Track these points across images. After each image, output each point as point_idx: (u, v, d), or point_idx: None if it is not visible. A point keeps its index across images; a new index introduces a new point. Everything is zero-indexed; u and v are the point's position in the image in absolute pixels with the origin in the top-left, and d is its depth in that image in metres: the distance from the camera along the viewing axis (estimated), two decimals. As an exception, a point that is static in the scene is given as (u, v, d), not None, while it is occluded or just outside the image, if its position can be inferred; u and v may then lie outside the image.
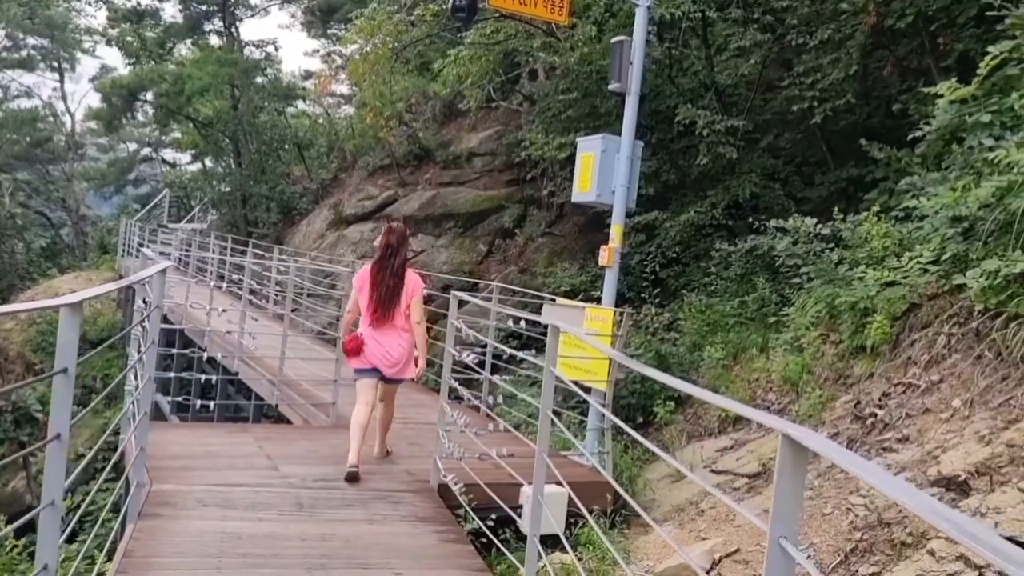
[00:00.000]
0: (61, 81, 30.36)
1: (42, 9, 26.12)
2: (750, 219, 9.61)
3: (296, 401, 7.50)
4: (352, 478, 5.19)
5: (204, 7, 21.06)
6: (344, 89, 22.74)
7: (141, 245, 21.63)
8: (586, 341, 4.17)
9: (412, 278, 5.72)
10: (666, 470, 6.98)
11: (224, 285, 13.42)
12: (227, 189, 23.52)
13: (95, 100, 28.83)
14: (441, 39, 15.07)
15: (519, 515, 5.30)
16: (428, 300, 10.18)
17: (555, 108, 12.46)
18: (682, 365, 8.65)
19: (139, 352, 15.33)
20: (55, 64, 30.21)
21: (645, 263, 10.83)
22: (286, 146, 23.02)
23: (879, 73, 10.87)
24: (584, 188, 6.68)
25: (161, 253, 22.40)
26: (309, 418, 7.08)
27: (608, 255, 6.50)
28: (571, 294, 14.32)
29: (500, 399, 6.01)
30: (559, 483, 4.64)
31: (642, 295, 10.02)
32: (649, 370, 3.28)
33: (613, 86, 6.50)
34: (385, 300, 5.52)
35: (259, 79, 22.79)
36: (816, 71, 9.71)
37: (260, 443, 5.90)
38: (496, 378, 5.99)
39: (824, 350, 6.97)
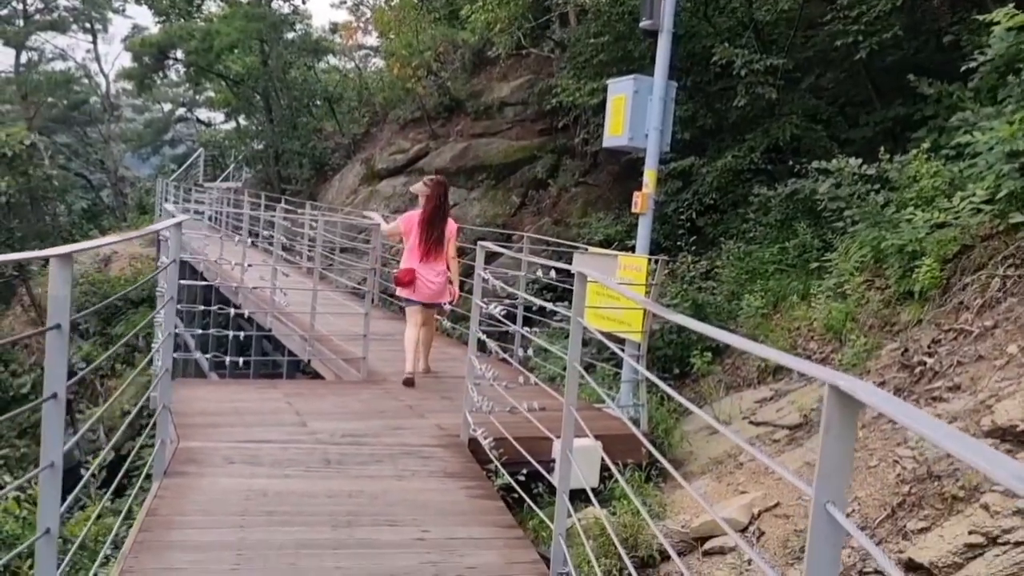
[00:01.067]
0: (94, 42, 30.46)
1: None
2: (791, 163, 9.24)
3: (327, 356, 7.43)
4: (409, 383, 6.60)
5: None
6: (373, 41, 22.40)
7: (175, 203, 21.77)
8: (618, 291, 3.98)
9: (450, 223, 7.19)
10: (703, 422, 6.81)
11: (257, 242, 13.42)
12: (260, 146, 23.47)
13: (128, 61, 28.85)
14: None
15: (551, 470, 5.21)
16: (461, 253, 10.06)
17: (586, 52, 12.07)
18: (720, 315, 8.41)
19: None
20: (87, 25, 30.25)
21: (681, 211, 10.53)
22: (317, 101, 22.82)
23: (927, 4, 10.31)
24: (615, 132, 6.42)
25: (195, 211, 22.54)
26: (341, 373, 7.01)
27: (641, 201, 6.26)
28: (606, 244, 14.08)
29: (531, 352, 5.85)
30: (594, 437, 4.51)
31: (678, 243, 9.75)
32: (683, 318, 3.08)
33: (644, 23, 6.18)
34: (435, 242, 6.87)
35: (288, 34, 22.51)
36: (862, 3, 9.20)
37: (289, 399, 5.84)
38: (526, 330, 5.83)
39: (869, 296, 6.68)
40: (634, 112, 6.22)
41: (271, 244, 12.42)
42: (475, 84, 18.89)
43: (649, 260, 5.91)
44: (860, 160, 6.75)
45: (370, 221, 8.17)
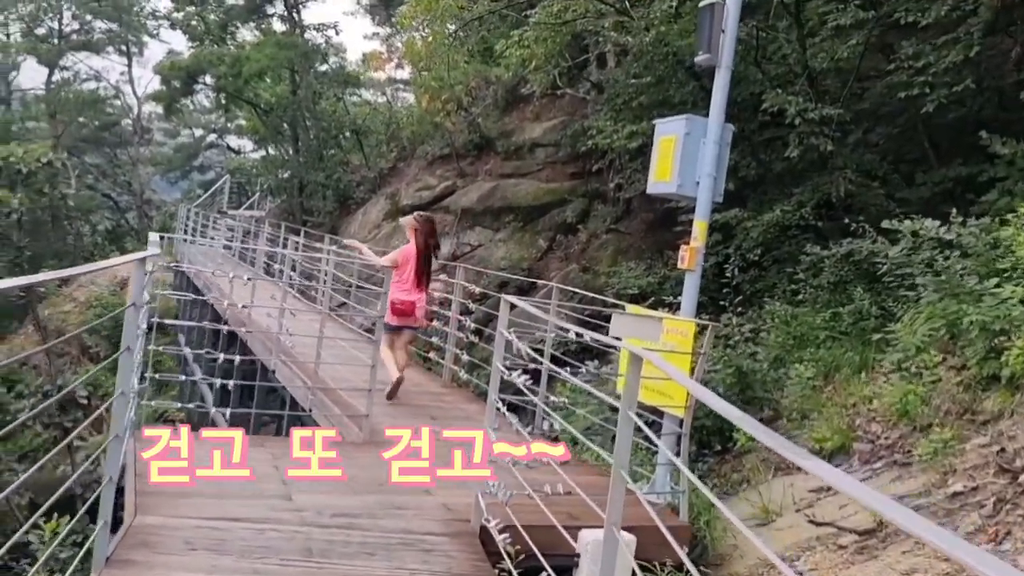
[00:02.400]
0: (129, 65, 30.54)
1: (109, -10, 26.17)
2: (846, 220, 8.48)
3: (330, 410, 6.71)
4: (393, 393, 7.24)
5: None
6: (404, 75, 22.07)
7: (195, 231, 21.35)
8: (665, 370, 3.25)
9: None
10: (749, 509, 5.98)
11: (273, 273, 12.83)
12: (285, 176, 23.10)
13: (160, 84, 28.81)
14: (504, 21, 14.20)
15: (576, 564, 4.44)
16: (483, 298, 9.33)
17: (625, 94, 11.45)
18: (765, 384, 7.60)
19: (186, 342, 14.68)
20: (123, 48, 30.32)
21: (725, 266, 9.77)
22: (345, 133, 22.45)
23: (993, 59, 9.60)
24: (662, 177, 5.71)
25: (212, 240, 22.10)
26: (342, 430, 6.27)
27: (689, 257, 5.53)
28: (637, 297, 13.35)
29: (556, 426, 5.08)
30: (624, 528, 3.77)
31: (720, 302, 8.98)
32: (735, 412, 2.40)
33: (701, 58, 5.51)
34: (426, 276, 7.63)
35: (320, 66, 22.26)
36: (929, 53, 8.51)
37: (278, 461, 5.10)
38: (554, 398, 5.08)
39: (945, 377, 5.86)
40: (685, 156, 5.52)
41: (290, 280, 11.78)
42: (506, 123, 18.38)
43: (696, 324, 5.16)
44: (938, 223, 5.97)
45: (362, 258, 8.50)
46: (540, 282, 14.23)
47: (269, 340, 9.38)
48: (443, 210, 17.80)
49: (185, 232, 22.60)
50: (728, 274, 9.21)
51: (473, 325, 8.21)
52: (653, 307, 8.88)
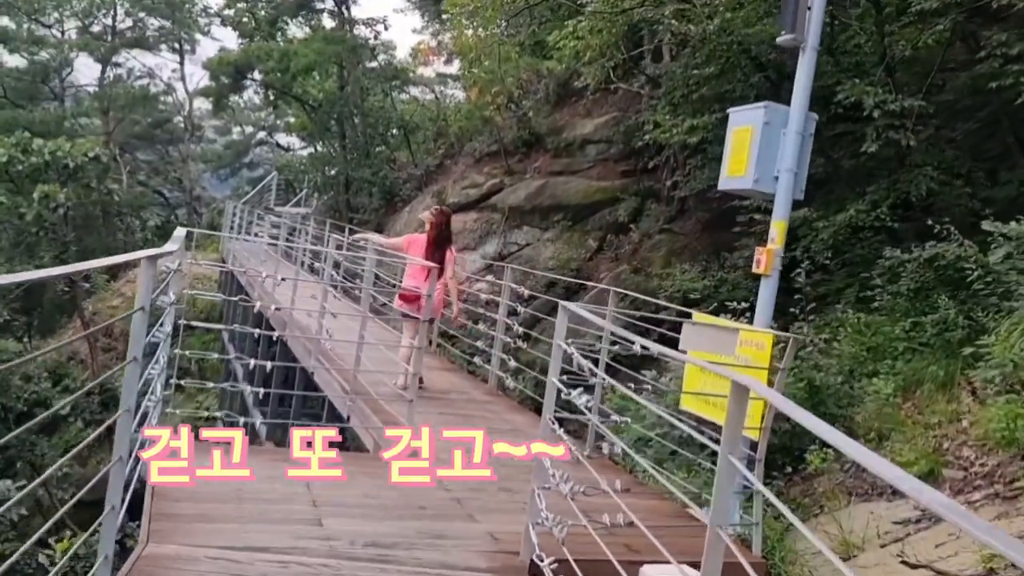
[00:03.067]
0: (181, 63, 30.76)
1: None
2: (929, 221, 7.77)
3: (370, 420, 6.28)
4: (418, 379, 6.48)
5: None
6: (452, 70, 21.67)
7: (241, 228, 21.26)
8: (764, 394, 2.72)
9: (451, 249, 7.85)
10: (827, 541, 5.38)
11: (317, 270, 12.52)
12: (332, 172, 22.90)
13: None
14: (556, 14, 13.69)
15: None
16: (530, 300, 8.84)
17: (684, 87, 10.83)
18: (839, 400, 6.97)
19: (230, 339, 14.44)
20: (176, 46, 30.55)
21: (796, 270, 9.11)
22: (393, 131, 22.15)
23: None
24: (736, 172, 5.15)
25: (259, 235, 21.97)
26: (381, 443, 5.84)
27: (766, 261, 4.95)
28: (692, 301, 12.71)
29: (618, 449, 4.56)
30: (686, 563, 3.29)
31: (791, 309, 8.35)
32: (832, 432, 1.90)
33: (784, 38, 4.93)
34: (437, 263, 7.06)
35: (369, 62, 21.98)
36: (1016, 42, 7.76)
37: (308, 481, 4.67)
38: (615, 417, 4.57)
39: (1054, 399, 5.20)
40: (763, 148, 4.96)
41: (332, 278, 11.46)
42: (557, 119, 17.85)
43: (774, 336, 4.59)
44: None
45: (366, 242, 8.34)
46: (590, 284, 13.70)
47: (309, 342, 9.04)
48: (490, 208, 17.36)
49: (232, 229, 22.52)
50: (799, 279, 8.54)
51: (521, 329, 7.71)
52: (715, 313, 8.29)
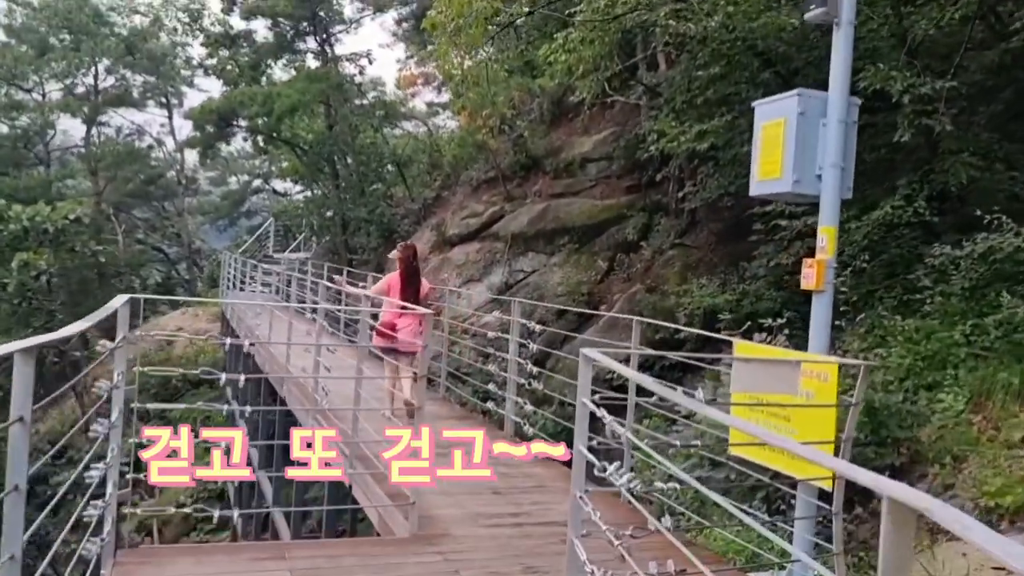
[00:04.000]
0: (170, 116, 30.39)
1: (140, 42, 25.82)
2: (977, 212, 7.01)
3: (372, 490, 5.50)
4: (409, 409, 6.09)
5: (294, 24, 19.84)
6: (442, 98, 21.09)
7: (237, 279, 20.62)
8: (798, 453, 1.96)
9: (424, 282, 8.07)
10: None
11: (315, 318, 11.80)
12: (329, 214, 22.29)
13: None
14: (543, 31, 13.07)
15: None
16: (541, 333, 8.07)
17: (686, 92, 10.14)
18: (901, 419, 6.17)
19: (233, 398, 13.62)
20: (163, 100, 30.19)
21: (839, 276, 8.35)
22: (388, 167, 21.55)
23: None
24: (770, 174, 4.41)
25: (262, 285, 21.34)
26: (385, 517, 5.06)
27: (817, 273, 4.20)
28: (711, 316, 11.98)
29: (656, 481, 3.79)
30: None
31: (836, 322, 7.56)
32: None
33: (813, 13, 4.21)
34: (411, 298, 7.55)
35: (357, 99, 21.45)
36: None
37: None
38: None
39: None
40: (800, 144, 4.22)
41: (332, 324, 10.77)
42: (553, 140, 17.21)
43: (840, 364, 3.82)
44: None
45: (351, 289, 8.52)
46: (602, 313, 12.96)
47: (306, 398, 8.31)
48: (492, 237, 16.67)
49: (230, 280, 21.88)
50: (843, 288, 7.75)
51: (534, 369, 6.95)
52: (748, 333, 7.52)
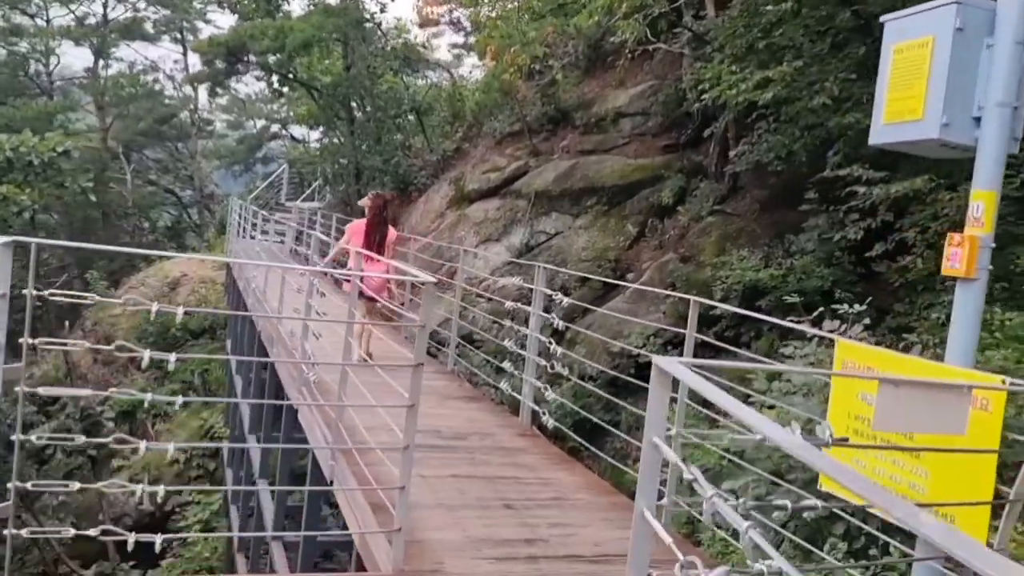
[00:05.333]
0: (184, 53, 29.04)
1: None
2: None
3: (355, 497, 4.42)
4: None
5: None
6: (468, 40, 19.66)
7: (252, 228, 19.56)
8: None
9: (391, 231, 8.39)
10: None
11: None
12: (343, 162, 21.09)
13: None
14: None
15: None
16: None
17: (749, 34, 8.79)
18: None
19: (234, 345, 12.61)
20: (178, 35, 28.86)
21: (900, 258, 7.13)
22: (406, 115, 20.25)
23: None
24: (903, 114, 3.21)
25: (271, 234, 20.30)
26: (368, 541, 3.98)
27: (967, 255, 3.02)
28: (753, 292, 10.82)
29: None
30: None
31: (922, 316, 6.35)
32: None
33: None
34: (377, 246, 7.88)
35: (377, 40, 20.07)
36: None
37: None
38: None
39: None
40: (956, 72, 3.01)
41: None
42: (585, 91, 15.87)
43: (1007, 384, 2.65)
44: None
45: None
46: (625, 283, 11.80)
47: (293, 367, 7.25)
48: (514, 195, 15.46)
49: (238, 228, 20.83)
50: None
51: (559, 349, 5.82)
52: (818, 322, 6.30)
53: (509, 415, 6.60)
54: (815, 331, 5.07)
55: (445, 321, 12.76)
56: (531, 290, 6.24)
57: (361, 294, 7.28)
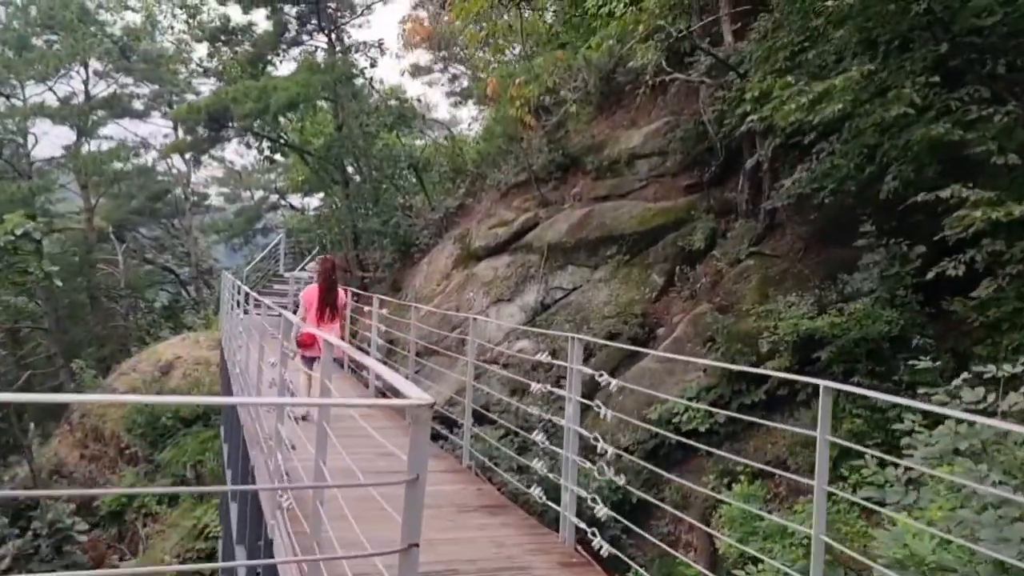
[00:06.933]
0: (175, 127, 28.15)
1: (134, 42, 23.67)
2: None
3: None
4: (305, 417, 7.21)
5: (297, 15, 17.44)
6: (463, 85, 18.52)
7: (239, 302, 18.21)
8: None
9: (341, 293, 8.90)
10: None
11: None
12: (340, 227, 19.85)
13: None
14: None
15: None
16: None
17: (788, 47, 7.50)
18: None
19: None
20: (167, 110, 28.05)
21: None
22: (404, 173, 19.08)
23: None
24: None
25: (267, 307, 18.94)
26: None
27: None
28: (808, 342, 9.45)
29: None
30: None
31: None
32: None
33: None
34: (330, 309, 8.59)
35: (368, 97, 19.05)
36: None
37: None
38: None
39: None
40: None
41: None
42: (595, 133, 14.65)
43: None
44: None
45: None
46: (647, 350, 10.40)
47: (268, 470, 5.79)
48: (525, 249, 14.12)
49: (233, 304, 19.48)
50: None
51: (611, 450, 4.33)
52: (886, 376, 4.82)
53: (546, 532, 5.06)
54: (948, 411, 3.62)
55: (458, 392, 11.39)
56: (568, 371, 4.76)
57: (315, 359, 7.80)
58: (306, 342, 7.97)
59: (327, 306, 8.49)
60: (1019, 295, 7.57)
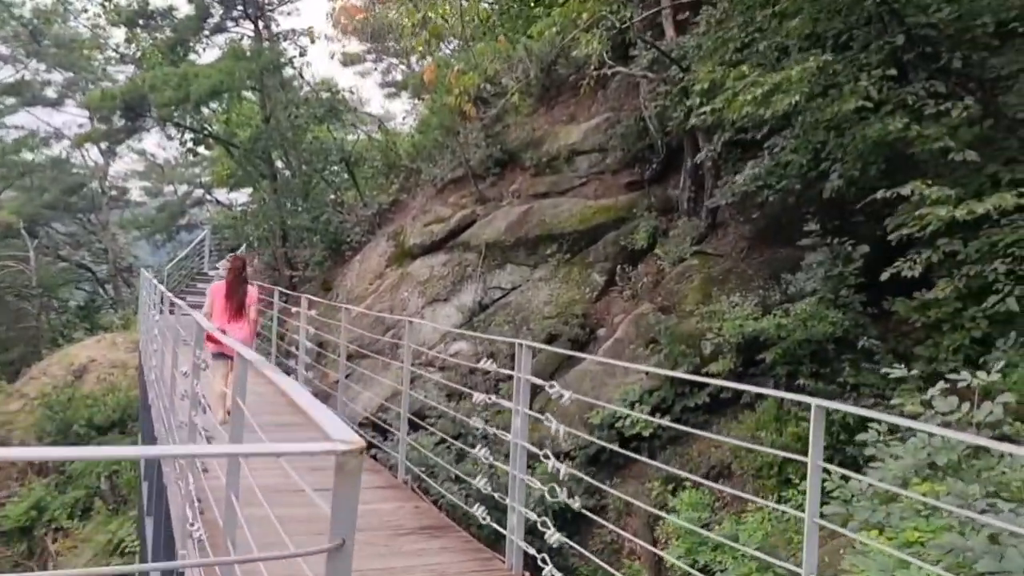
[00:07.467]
0: (91, 117, 26.66)
1: (45, 26, 22.31)
2: None
3: None
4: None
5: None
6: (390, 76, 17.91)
7: (156, 301, 17.26)
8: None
9: (251, 290, 8.83)
10: None
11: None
12: (268, 223, 19.02)
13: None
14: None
15: None
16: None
17: (735, 40, 7.22)
18: None
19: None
20: (82, 98, 26.52)
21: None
22: (335, 166, 18.36)
23: None
24: None
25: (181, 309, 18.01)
26: None
27: None
28: (753, 344, 9.28)
29: None
30: None
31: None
32: None
33: None
34: (237, 306, 8.54)
35: (298, 87, 18.28)
36: None
37: None
38: None
39: None
40: None
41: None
42: (534, 129, 14.27)
43: None
44: None
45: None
46: (597, 360, 10.10)
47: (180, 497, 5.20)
48: (462, 247, 13.64)
49: (150, 304, 18.47)
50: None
51: (564, 468, 3.92)
52: (830, 378, 4.56)
53: (490, 556, 4.61)
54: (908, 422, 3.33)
55: (390, 398, 10.87)
56: (515, 380, 4.32)
57: (223, 355, 7.69)
58: (212, 340, 7.74)
59: (235, 303, 8.53)
60: (959, 296, 7.47)
